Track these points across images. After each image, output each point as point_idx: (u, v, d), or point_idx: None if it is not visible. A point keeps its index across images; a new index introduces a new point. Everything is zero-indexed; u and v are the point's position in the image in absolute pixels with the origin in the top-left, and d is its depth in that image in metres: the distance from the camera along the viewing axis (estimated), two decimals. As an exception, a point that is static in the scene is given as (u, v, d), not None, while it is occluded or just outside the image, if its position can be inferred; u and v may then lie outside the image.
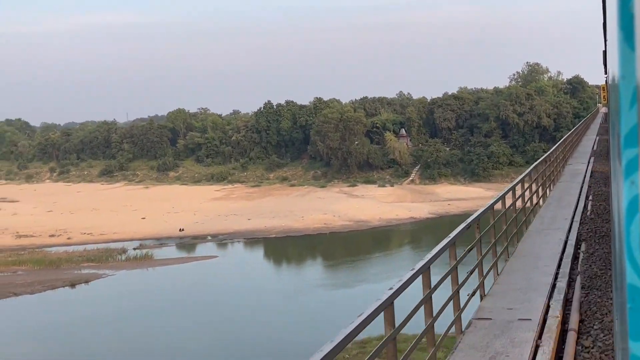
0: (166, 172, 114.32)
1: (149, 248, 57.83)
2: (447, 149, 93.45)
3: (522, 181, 14.58)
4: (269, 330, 32.77)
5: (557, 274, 10.55)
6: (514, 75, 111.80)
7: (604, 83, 42.94)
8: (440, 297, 7.34)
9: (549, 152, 21.01)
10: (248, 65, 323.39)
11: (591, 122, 56.90)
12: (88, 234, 65.42)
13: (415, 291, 6.49)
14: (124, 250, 56.62)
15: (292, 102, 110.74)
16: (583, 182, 21.40)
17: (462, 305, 7.93)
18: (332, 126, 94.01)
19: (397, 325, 5.57)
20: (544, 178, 18.76)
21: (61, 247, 59.56)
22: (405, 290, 5.82)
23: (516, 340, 7.29)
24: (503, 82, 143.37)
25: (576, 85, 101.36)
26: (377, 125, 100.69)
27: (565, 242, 12.82)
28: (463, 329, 7.75)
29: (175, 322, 35.10)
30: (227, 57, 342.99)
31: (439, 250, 7.10)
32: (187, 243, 60.04)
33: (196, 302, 39.41)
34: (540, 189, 17.71)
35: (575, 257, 12.21)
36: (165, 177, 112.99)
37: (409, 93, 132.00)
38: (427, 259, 6.63)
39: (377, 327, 5.70)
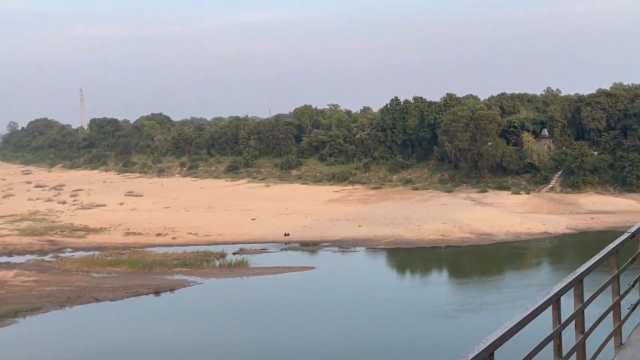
0: (289, 170, 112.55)
1: (249, 253, 54.94)
2: (595, 153, 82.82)
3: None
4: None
5: None
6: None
7: None
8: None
9: None
10: (381, 61, 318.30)
11: None
12: (194, 234, 64.10)
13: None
14: (222, 255, 54.16)
15: (421, 98, 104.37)
16: None
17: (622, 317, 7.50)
18: (461, 125, 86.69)
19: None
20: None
21: (162, 248, 58.44)
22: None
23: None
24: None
25: None
26: (515, 124, 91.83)
27: None
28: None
29: (242, 352, 31.23)
30: (362, 53, 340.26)
31: (600, 258, 6.80)
32: (289, 249, 56.53)
33: (277, 322, 35.43)
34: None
35: None
36: (287, 175, 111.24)
37: (557, 89, 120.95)
38: (589, 266, 6.44)
39: None
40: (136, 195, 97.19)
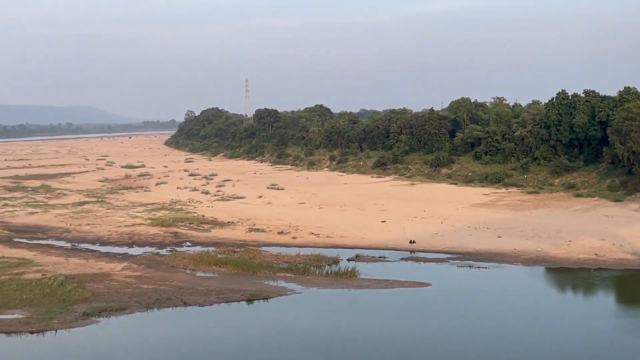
0: (438, 168, 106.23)
1: (364, 261, 50.78)
2: None
3: None
4: None
5: None
6: None
7: None
8: None
9: None
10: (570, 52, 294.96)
11: None
12: (316, 234, 61.23)
13: None
14: (335, 261, 50.53)
15: (592, 92, 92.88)
16: None
17: None
18: (636, 124, 75.32)
19: None
20: None
21: (278, 248, 56.17)
22: None
23: None
24: None
25: None
26: None
27: None
28: None
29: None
30: (551, 44, 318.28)
31: None
32: (410, 259, 51.44)
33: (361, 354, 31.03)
34: None
35: None
36: (436, 173, 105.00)
37: None
38: None
39: None
40: (278, 189, 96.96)
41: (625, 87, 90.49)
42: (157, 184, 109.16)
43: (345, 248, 55.66)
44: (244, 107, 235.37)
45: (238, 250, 54.67)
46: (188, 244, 59.28)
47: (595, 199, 76.42)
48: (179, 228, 66.03)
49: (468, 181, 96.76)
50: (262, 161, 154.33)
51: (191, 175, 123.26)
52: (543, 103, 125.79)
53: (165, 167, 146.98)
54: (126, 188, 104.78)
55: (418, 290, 42.42)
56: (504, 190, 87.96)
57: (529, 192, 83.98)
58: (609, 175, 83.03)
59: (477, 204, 77.33)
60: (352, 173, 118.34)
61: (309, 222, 67.37)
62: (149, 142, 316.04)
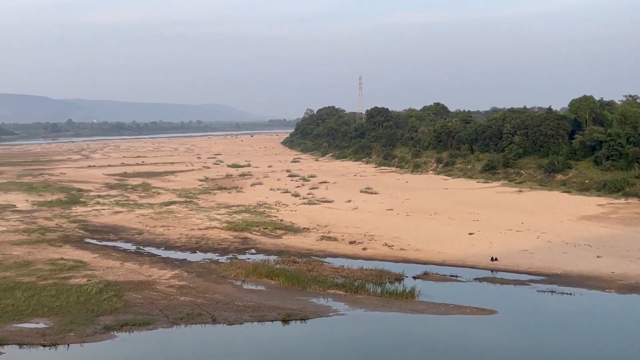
0: (553, 173, 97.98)
1: (432, 279, 46.21)
2: None
3: None
4: None
5: None
6: None
7: None
8: None
9: None
10: None
11: None
12: (389, 246, 57.21)
13: None
14: (398, 278, 46.38)
15: None
16: None
17: None
18: None
19: None
20: None
21: (344, 260, 52.79)
22: None
23: None
24: None
25: None
26: None
27: None
28: None
29: None
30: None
31: None
32: (486, 280, 46.18)
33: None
34: None
35: None
36: (550, 180, 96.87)
37: None
38: None
39: None
40: (370, 193, 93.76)
41: None
42: (252, 185, 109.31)
43: (417, 263, 51.34)
44: (358, 105, 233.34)
45: (299, 260, 51.94)
46: (252, 251, 57.39)
47: None
48: (250, 233, 64.51)
49: (584, 189, 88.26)
50: (367, 162, 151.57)
51: (290, 176, 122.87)
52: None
53: (270, 167, 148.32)
54: (220, 188, 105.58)
55: (479, 319, 37.45)
56: (622, 200, 79.18)
57: (653, 204, 74.88)
58: None
59: (586, 216, 69.80)
60: (458, 177, 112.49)
61: (387, 231, 63.58)
62: (268, 140, 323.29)
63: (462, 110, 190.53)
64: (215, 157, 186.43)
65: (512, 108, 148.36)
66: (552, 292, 42.64)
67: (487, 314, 38.32)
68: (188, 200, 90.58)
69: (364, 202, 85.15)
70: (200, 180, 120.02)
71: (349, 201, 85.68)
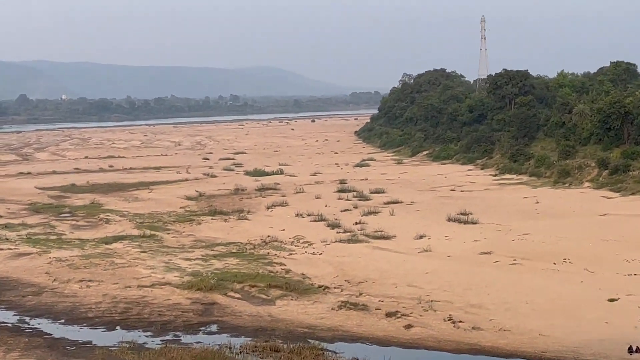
0: None
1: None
2: None
3: None
4: None
5: None
6: None
7: None
8: None
9: None
10: None
11: None
12: (455, 322, 53.83)
13: None
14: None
15: None
16: None
17: None
18: None
19: None
20: None
21: (364, 347, 50.09)
22: None
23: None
24: None
25: None
26: None
27: None
28: None
29: None
30: None
31: None
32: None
33: None
34: None
35: None
36: None
37: None
38: None
39: None
40: (465, 222, 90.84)
41: None
42: (269, 207, 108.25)
43: (495, 356, 48.15)
44: (478, 66, 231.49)
45: (284, 347, 49.41)
46: (213, 327, 55.64)
47: None
48: (223, 295, 62.86)
49: None
50: (484, 167, 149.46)
51: (341, 191, 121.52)
52: None
53: (315, 174, 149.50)
54: (214, 213, 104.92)
55: None
56: None
57: None
58: None
59: None
60: (632, 194, 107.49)
61: (463, 293, 60.78)
62: (337, 128, 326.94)
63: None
64: (232, 159, 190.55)
65: None
66: None
67: None
68: (149, 234, 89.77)
69: (448, 238, 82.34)
70: (188, 199, 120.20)
71: (422, 237, 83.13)
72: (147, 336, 53.67)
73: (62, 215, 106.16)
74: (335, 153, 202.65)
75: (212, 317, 57.70)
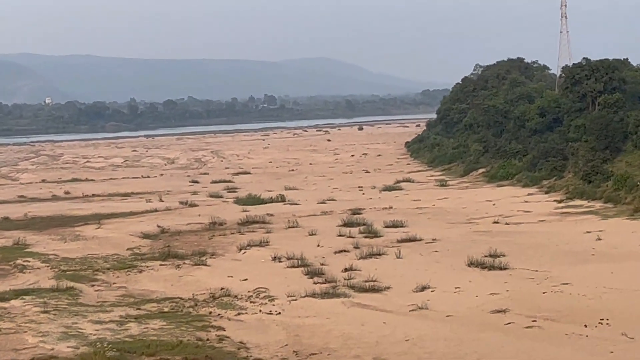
0: None
1: None
2: None
3: None
4: None
5: None
6: None
7: None
8: None
9: None
10: None
11: None
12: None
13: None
14: None
15: None
16: None
17: None
18: None
19: None
20: None
21: None
22: None
23: None
24: None
25: None
26: None
27: None
28: None
29: None
30: None
31: None
32: None
33: None
34: None
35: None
36: None
37: None
38: None
39: None
40: (494, 268, 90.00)
41: None
42: (241, 249, 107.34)
43: None
44: (558, 55, 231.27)
45: None
46: None
47: None
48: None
49: None
50: (550, 189, 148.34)
51: (347, 225, 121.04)
52: None
53: (325, 202, 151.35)
54: (166, 256, 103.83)
55: None
56: None
57: None
58: None
59: None
60: None
61: None
62: (386, 137, 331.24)
63: None
64: (229, 181, 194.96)
65: None
66: None
67: None
68: (66, 287, 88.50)
69: (458, 290, 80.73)
70: (144, 237, 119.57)
71: (424, 289, 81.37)
72: None
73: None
74: (367, 172, 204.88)
75: None
